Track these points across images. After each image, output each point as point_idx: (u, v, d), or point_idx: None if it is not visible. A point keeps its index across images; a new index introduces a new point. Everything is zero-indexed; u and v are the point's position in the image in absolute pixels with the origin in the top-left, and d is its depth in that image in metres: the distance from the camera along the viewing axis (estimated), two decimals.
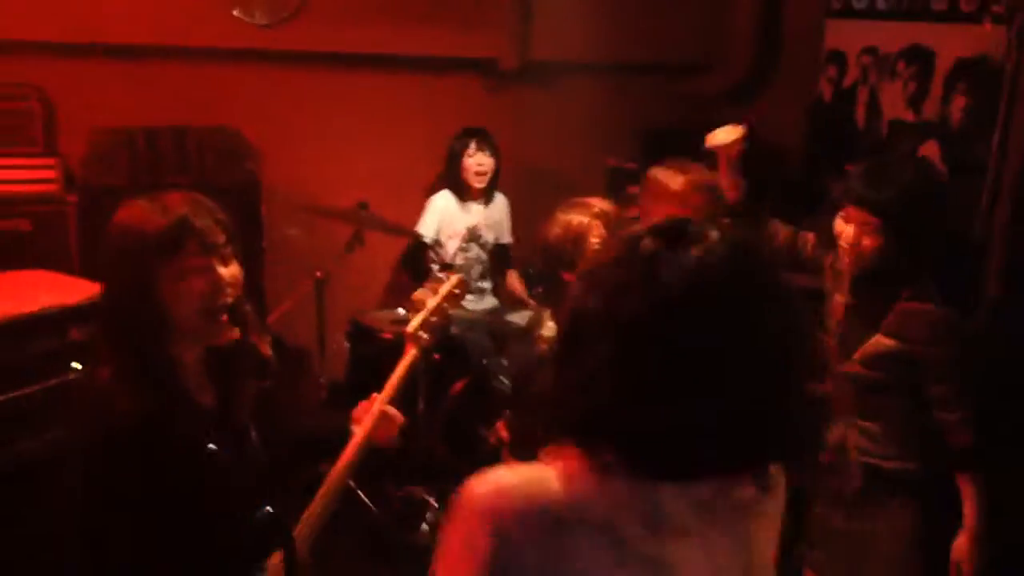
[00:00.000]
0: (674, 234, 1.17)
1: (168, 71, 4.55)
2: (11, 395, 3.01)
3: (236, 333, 1.93)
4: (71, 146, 4.34)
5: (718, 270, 1.14)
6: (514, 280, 4.64)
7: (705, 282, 1.13)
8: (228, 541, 1.93)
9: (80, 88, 4.37)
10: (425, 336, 2.29)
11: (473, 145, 4.45)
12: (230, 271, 1.89)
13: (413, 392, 3.78)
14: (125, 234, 1.84)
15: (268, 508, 1.93)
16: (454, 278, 2.39)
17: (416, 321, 2.29)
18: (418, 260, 4.49)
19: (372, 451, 2.14)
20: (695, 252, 1.14)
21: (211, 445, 1.76)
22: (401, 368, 2.24)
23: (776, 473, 1.29)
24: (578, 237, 2.69)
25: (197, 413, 1.94)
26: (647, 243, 1.17)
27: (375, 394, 2.19)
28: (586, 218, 2.71)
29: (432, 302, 2.33)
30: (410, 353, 2.26)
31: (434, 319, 2.31)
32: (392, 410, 2.19)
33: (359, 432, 2.12)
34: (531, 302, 4.42)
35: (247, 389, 2.04)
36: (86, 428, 1.90)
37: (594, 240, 2.68)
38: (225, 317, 1.90)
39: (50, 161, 4.14)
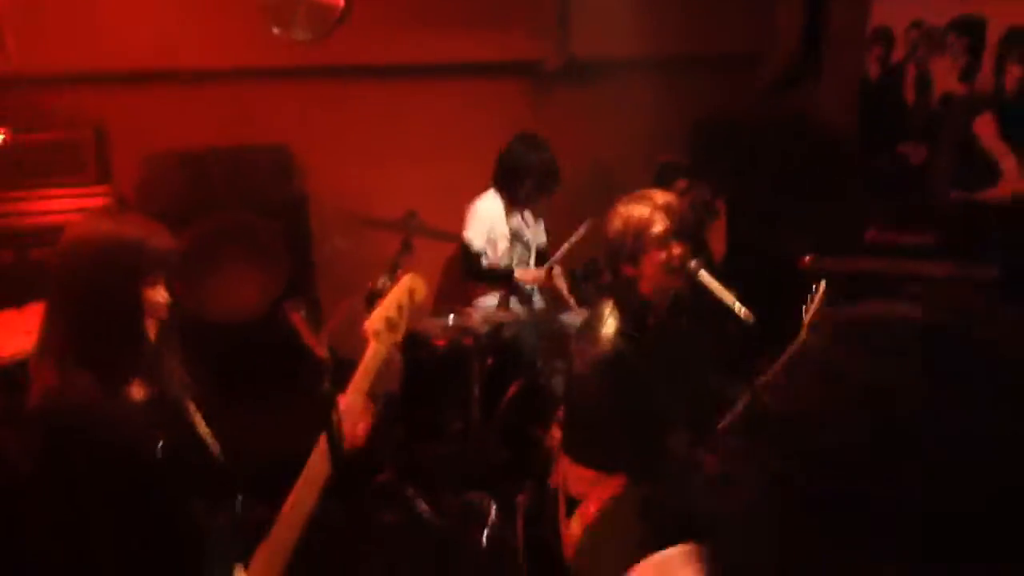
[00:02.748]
0: None
1: (215, 93, 4.62)
2: None
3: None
4: (125, 173, 4.45)
5: None
6: (559, 278, 4.59)
7: None
8: (191, 538, 2.04)
9: (131, 116, 4.47)
10: (381, 330, 2.23)
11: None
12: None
13: (467, 397, 3.78)
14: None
15: (237, 507, 2.11)
16: (407, 276, 2.33)
17: (373, 316, 2.24)
18: (473, 265, 4.47)
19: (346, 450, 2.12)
20: None
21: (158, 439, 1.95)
22: (362, 365, 2.22)
23: None
24: (639, 230, 2.62)
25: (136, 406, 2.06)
26: None
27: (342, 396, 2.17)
28: (647, 210, 2.65)
29: (389, 298, 2.28)
30: (371, 348, 2.23)
31: (392, 315, 2.25)
32: (355, 404, 2.18)
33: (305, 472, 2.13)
34: (571, 301, 4.39)
35: (176, 376, 2.17)
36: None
37: (656, 231, 2.62)
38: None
39: (102, 189, 4.23)
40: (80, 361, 1.94)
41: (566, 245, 4.34)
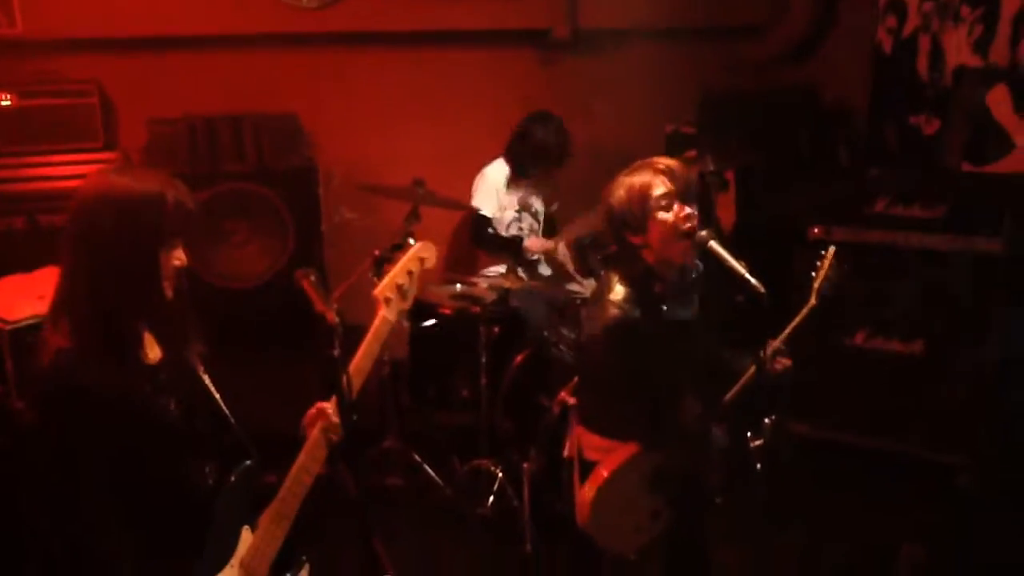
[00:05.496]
0: None
1: (222, 60, 4.62)
2: None
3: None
4: (131, 138, 4.44)
5: None
6: (567, 250, 4.59)
7: None
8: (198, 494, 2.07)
9: (137, 81, 4.47)
10: (391, 296, 2.25)
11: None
12: None
13: (475, 365, 3.78)
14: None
15: (248, 462, 2.12)
16: (419, 243, 2.35)
17: (383, 283, 2.26)
18: (481, 232, 4.46)
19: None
20: None
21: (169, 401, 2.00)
22: (372, 330, 2.22)
23: None
24: (643, 195, 2.56)
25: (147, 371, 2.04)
26: None
27: (320, 403, 2.18)
28: (648, 175, 2.58)
29: (400, 265, 2.29)
30: (380, 314, 2.24)
31: (403, 282, 2.26)
32: (365, 368, 2.19)
33: (310, 438, 2.16)
34: (576, 275, 4.40)
35: (190, 338, 2.15)
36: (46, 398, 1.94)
37: (659, 194, 2.58)
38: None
39: (110, 155, 4.23)
40: (95, 322, 1.90)
41: (576, 221, 4.33)
